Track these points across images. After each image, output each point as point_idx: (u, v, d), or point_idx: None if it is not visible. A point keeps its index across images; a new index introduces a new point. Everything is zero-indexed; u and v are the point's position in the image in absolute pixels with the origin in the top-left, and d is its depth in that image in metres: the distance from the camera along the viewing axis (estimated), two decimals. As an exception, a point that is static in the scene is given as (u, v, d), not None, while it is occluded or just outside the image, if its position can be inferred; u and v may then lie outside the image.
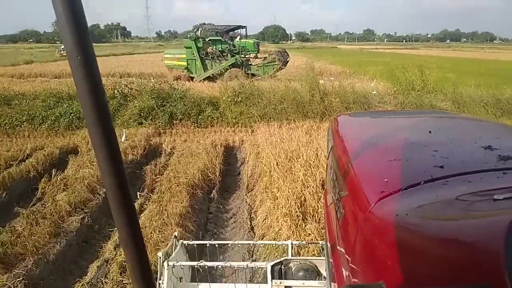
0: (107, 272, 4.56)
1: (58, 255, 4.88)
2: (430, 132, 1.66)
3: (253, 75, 20.29)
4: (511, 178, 1.09)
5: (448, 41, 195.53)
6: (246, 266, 3.07)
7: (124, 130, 10.46)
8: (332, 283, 1.49)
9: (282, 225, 4.95)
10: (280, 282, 2.70)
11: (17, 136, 10.79)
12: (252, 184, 7.32)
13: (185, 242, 3.20)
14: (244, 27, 23.28)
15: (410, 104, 11.95)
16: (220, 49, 21.26)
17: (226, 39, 21.77)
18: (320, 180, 5.90)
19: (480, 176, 1.12)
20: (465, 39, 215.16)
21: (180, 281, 2.92)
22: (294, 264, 2.83)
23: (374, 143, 1.70)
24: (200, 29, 22.16)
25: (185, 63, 21.06)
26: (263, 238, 5.14)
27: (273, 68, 20.98)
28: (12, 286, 4.10)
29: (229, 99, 12.27)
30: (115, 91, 12.61)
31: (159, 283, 2.75)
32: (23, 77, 24.26)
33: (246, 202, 6.72)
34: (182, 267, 2.94)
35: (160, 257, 2.82)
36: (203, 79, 20.25)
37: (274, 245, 4.31)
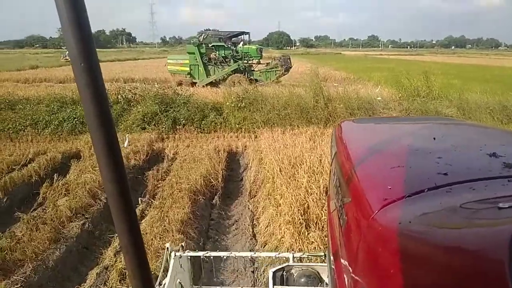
0: (106, 279, 4.50)
1: (58, 261, 4.83)
2: (434, 138, 1.64)
3: (255, 80, 20.28)
4: None
5: (453, 47, 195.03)
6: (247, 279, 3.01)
7: (127, 135, 10.44)
8: None
9: (284, 233, 4.86)
10: None
11: (20, 141, 10.81)
12: (254, 190, 7.24)
13: (178, 253, 3.07)
14: (247, 33, 23.32)
15: (415, 110, 11.85)
16: (223, 54, 21.31)
17: (229, 45, 21.82)
18: (323, 187, 5.81)
19: (484, 184, 1.10)
20: (470, 45, 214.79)
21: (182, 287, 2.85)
22: (296, 270, 2.79)
23: (378, 149, 1.68)
24: (203, 34, 22.22)
25: (188, 69, 21.11)
26: (265, 245, 5.06)
27: (276, 74, 20.98)
28: (9, 293, 4.04)
29: (233, 105, 12.24)
30: (119, 96, 12.62)
31: None
32: (28, 82, 24.41)
33: (249, 208, 6.64)
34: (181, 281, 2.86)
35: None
36: (206, 85, 20.28)
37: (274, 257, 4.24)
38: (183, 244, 3.20)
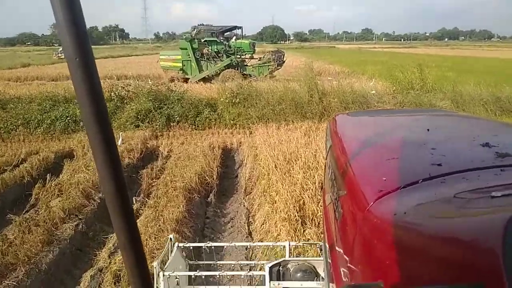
0: (101, 281, 4.43)
1: (51, 264, 4.75)
2: (428, 130, 1.66)
3: (249, 75, 20.15)
4: (508, 175, 1.09)
5: (446, 39, 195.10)
6: (244, 276, 3.01)
7: (121, 133, 10.35)
8: (331, 284, 1.49)
9: (280, 230, 4.82)
10: (278, 284, 2.69)
11: (12, 141, 10.65)
12: (250, 187, 7.20)
13: (181, 244, 3.18)
14: (240, 27, 23.11)
15: (409, 103, 11.85)
16: (215, 50, 21.07)
17: (222, 40, 21.62)
18: (319, 183, 5.77)
19: (478, 174, 1.11)
20: (463, 37, 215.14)
21: (178, 284, 2.86)
22: (292, 265, 2.81)
23: (372, 142, 1.70)
24: (195, 29, 22.00)
25: (180, 64, 20.88)
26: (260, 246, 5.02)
27: (268, 69, 20.83)
28: (2, 298, 3.98)
29: (227, 101, 12.15)
30: (112, 93, 12.45)
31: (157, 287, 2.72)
32: (19, 80, 24.14)
33: (244, 206, 6.59)
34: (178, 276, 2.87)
35: (155, 267, 2.73)
36: (198, 80, 20.11)
37: (271, 246, 4.25)
38: (171, 236, 3.20)
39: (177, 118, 11.62)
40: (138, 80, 17.40)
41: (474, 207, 0.94)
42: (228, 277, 4.11)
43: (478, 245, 0.73)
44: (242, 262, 3.98)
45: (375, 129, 2.04)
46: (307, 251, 4.08)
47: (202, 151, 8.81)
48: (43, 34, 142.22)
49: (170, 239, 3.11)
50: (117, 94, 12.54)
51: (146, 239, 4.95)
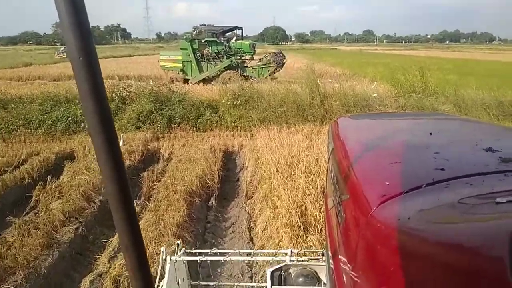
0: (100, 287, 4.39)
1: (50, 268, 4.72)
2: (431, 134, 1.65)
3: (249, 77, 20.09)
4: None
5: (447, 42, 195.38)
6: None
7: (122, 134, 10.30)
8: None
9: (282, 236, 4.78)
10: None
11: (13, 141, 10.63)
12: (251, 191, 7.16)
13: (173, 258, 3.01)
14: (240, 28, 23.05)
15: (411, 107, 11.81)
16: (215, 50, 20.98)
17: (222, 41, 21.56)
18: (321, 188, 5.73)
19: (482, 179, 1.09)
20: (464, 39, 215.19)
21: None
22: (294, 270, 2.80)
23: (375, 145, 1.68)
24: (196, 30, 21.94)
25: (180, 65, 20.84)
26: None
27: (268, 70, 20.76)
28: (0, 303, 3.94)
29: (228, 102, 12.12)
30: (114, 94, 12.44)
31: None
32: (21, 80, 24.10)
33: (245, 210, 6.55)
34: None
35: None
36: (199, 81, 20.04)
37: (274, 253, 4.23)
38: (179, 242, 3.11)
39: (179, 119, 11.59)
40: (139, 80, 17.37)
41: (479, 213, 0.93)
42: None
43: (484, 252, 0.72)
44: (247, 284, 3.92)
45: (377, 132, 2.02)
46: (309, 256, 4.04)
47: (203, 153, 8.78)
48: (45, 33, 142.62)
49: (162, 252, 2.89)
50: (118, 94, 12.54)
51: (147, 244, 4.91)
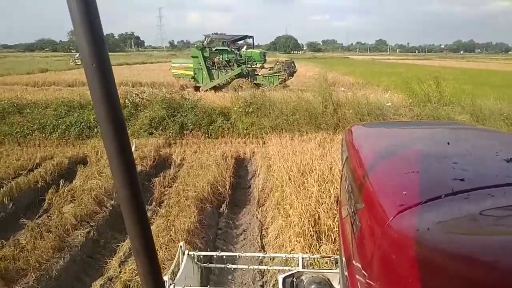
0: (110, 291, 4.36)
1: (61, 271, 4.72)
2: (448, 143, 1.60)
3: (259, 85, 20.16)
4: None
5: (461, 52, 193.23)
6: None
7: (134, 140, 10.36)
8: None
9: (295, 246, 4.69)
10: None
11: (27, 145, 10.78)
12: (263, 199, 7.08)
13: (191, 252, 3.14)
14: (251, 36, 23.27)
15: (426, 116, 11.62)
16: (226, 58, 21.25)
17: (233, 49, 21.77)
18: (334, 197, 5.63)
19: (503, 191, 1.06)
20: (479, 49, 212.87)
21: None
22: (306, 276, 2.75)
23: (390, 154, 1.65)
24: (207, 38, 22.19)
25: (192, 73, 21.14)
26: (274, 258, 4.88)
27: (278, 79, 20.84)
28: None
29: (240, 110, 12.12)
30: (126, 100, 12.57)
31: None
32: (37, 86, 24.58)
33: (257, 218, 6.48)
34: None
35: (166, 281, 2.65)
36: (209, 89, 20.20)
37: (284, 258, 4.18)
38: (181, 244, 3.17)
39: (191, 126, 11.63)
40: (152, 87, 17.55)
41: (501, 225, 0.91)
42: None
43: (506, 265, 0.71)
44: (254, 266, 3.88)
45: (393, 141, 1.98)
46: (322, 264, 3.96)
47: (214, 160, 8.75)
48: (61, 41, 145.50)
49: (181, 246, 3.07)
50: (131, 101, 12.67)
51: (157, 250, 4.86)
